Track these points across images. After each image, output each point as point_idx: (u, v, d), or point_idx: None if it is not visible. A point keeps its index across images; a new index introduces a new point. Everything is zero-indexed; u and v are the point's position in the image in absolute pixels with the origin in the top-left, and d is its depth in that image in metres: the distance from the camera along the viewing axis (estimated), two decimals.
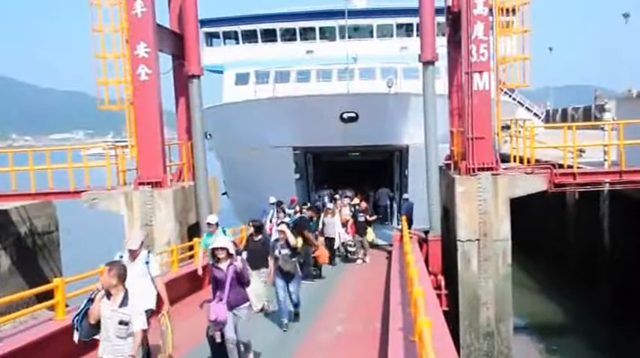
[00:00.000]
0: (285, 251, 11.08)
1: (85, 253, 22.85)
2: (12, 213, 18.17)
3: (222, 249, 8.33)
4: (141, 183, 15.63)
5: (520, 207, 15.58)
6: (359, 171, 27.28)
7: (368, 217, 19.10)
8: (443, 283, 15.50)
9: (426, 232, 16.95)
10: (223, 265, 8.27)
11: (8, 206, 17.95)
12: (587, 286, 19.31)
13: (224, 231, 12.36)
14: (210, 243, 11.00)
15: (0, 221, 17.65)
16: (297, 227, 14.71)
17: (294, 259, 11.18)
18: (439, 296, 14.40)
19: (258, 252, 11.54)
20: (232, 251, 8.36)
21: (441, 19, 18.36)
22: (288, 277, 11.12)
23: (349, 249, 18.59)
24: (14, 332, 8.95)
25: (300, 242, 12.56)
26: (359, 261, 18.40)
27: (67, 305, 9.90)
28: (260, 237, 12.02)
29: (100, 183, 17.03)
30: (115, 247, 16.28)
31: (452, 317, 13.59)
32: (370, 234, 19.02)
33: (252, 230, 12.24)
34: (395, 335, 8.28)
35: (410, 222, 18.65)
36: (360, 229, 18.70)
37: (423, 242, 16.89)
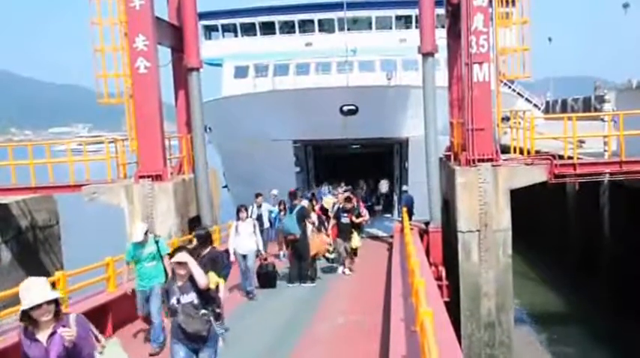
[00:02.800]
0: (190, 298, 6.34)
1: (86, 247, 22.89)
2: (12, 206, 18.17)
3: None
4: (141, 177, 15.62)
5: (520, 198, 15.61)
6: (359, 164, 27.31)
7: (354, 218, 15.69)
8: (444, 274, 15.53)
9: (427, 223, 16.98)
10: (43, 333, 4.89)
11: (8, 200, 17.96)
12: (588, 276, 19.36)
13: (156, 242, 9.59)
14: (138, 255, 9.41)
15: (0, 215, 17.67)
16: (300, 217, 14.60)
17: (204, 311, 6.36)
18: (440, 287, 14.42)
19: None
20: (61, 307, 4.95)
21: (441, 10, 18.32)
22: (194, 344, 6.48)
23: (327, 255, 15.90)
24: (16, 325, 8.96)
25: (214, 280, 7.65)
26: (340, 271, 15.73)
27: (69, 298, 9.94)
28: (207, 250, 8.97)
29: (99, 177, 17.04)
30: (115, 240, 16.39)
31: (453, 308, 13.63)
32: (355, 240, 15.65)
33: (194, 243, 9.35)
34: (396, 326, 8.32)
35: (410, 214, 18.67)
36: (342, 233, 15.67)
37: (423, 233, 16.93)
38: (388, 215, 26.21)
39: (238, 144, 25.44)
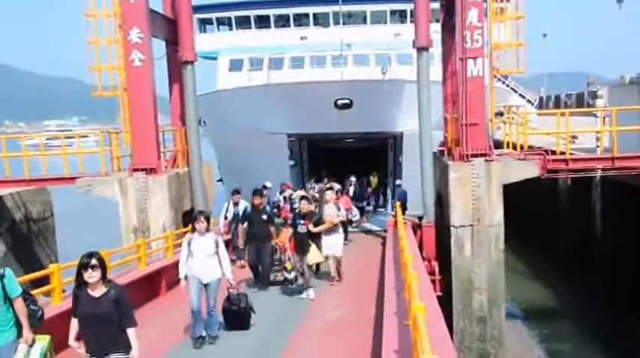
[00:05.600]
0: None
1: (80, 239, 22.85)
2: (6, 199, 18.15)
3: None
4: (135, 170, 15.63)
5: (513, 193, 15.68)
6: (354, 158, 27.32)
7: (311, 227, 12.46)
8: (437, 268, 15.61)
9: (420, 218, 17.03)
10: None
11: (2, 192, 17.93)
12: (580, 272, 19.48)
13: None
14: None
15: None
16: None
17: None
18: (433, 281, 14.49)
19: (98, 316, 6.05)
20: None
21: (435, 5, 18.33)
22: None
23: (285, 275, 12.66)
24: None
25: None
26: (304, 295, 12.30)
27: (63, 291, 9.95)
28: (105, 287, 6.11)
29: (92, 169, 17.03)
30: (109, 233, 16.38)
31: (445, 302, 13.72)
32: (314, 254, 12.38)
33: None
34: (389, 320, 8.37)
35: (404, 208, 18.71)
36: (298, 245, 12.38)
37: (417, 228, 16.98)
38: (382, 209, 26.27)
39: (233, 137, 25.41)
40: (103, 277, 6.05)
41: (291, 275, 12.46)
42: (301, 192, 17.69)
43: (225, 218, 15.49)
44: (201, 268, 9.26)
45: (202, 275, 9.30)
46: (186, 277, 9.33)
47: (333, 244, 13.38)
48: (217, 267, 9.36)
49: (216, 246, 9.32)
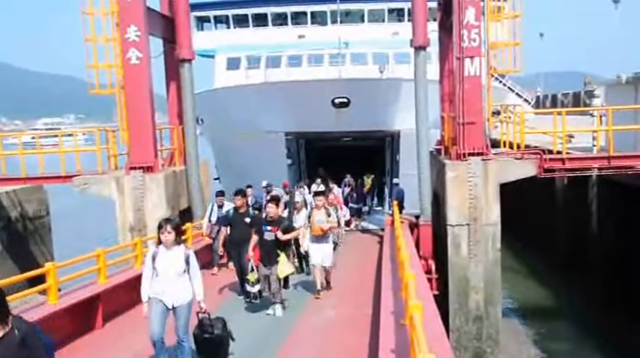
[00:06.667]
0: None
1: (76, 237, 22.86)
2: (2, 197, 18.10)
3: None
4: (132, 168, 15.60)
5: (510, 192, 15.70)
6: (351, 157, 27.32)
7: (280, 235, 10.98)
8: (433, 267, 15.64)
9: (417, 217, 17.04)
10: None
11: None
12: (576, 271, 19.51)
13: None
14: None
15: None
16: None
17: None
18: (430, 280, 14.53)
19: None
20: None
21: (433, 4, 18.35)
22: None
23: (248, 288, 10.84)
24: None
25: None
26: (270, 311, 11.01)
27: (59, 290, 9.94)
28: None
29: (89, 168, 17.01)
30: (105, 232, 16.32)
31: (442, 301, 13.73)
32: (284, 265, 10.96)
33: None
34: (386, 319, 8.38)
35: (401, 207, 18.73)
36: (264, 254, 10.92)
37: (414, 226, 17.00)
38: (379, 208, 26.30)
39: (230, 136, 25.41)
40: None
41: (255, 289, 10.75)
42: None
43: (210, 220, 14.61)
44: (168, 289, 7.59)
45: (169, 298, 7.60)
46: (148, 300, 7.69)
47: (321, 253, 12.27)
48: (188, 288, 7.70)
49: (187, 262, 7.65)
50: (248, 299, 10.97)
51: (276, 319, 10.83)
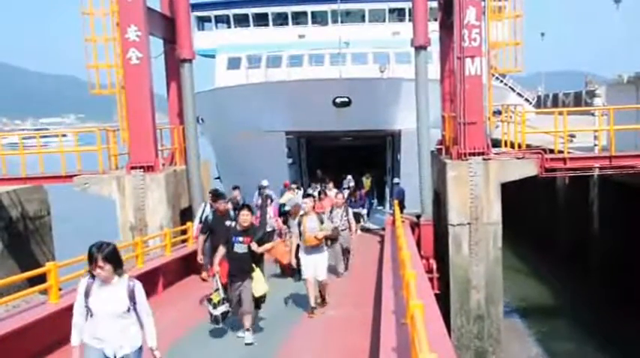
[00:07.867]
0: None
1: (77, 237, 22.83)
2: (3, 197, 18.10)
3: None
4: (133, 167, 15.59)
5: (511, 192, 15.69)
6: (352, 156, 27.32)
7: (255, 246, 9.29)
8: (434, 267, 15.62)
9: (418, 216, 17.03)
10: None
11: None
12: (577, 270, 19.50)
13: None
14: None
15: None
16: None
17: None
18: (431, 279, 14.52)
19: None
20: None
21: (433, 3, 18.33)
22: None
23: (211, 310, 9.40)
24: (7, 315, 8.97)
25: None
26: (240, 333, 9.56)
27: (60, 289, 9.93)
28: None
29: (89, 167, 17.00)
30: (106, 231, 16.33)
31: (443, 300, 13.73)
32: (259, 284, 9.32)
33: None
34: (387, 318, 8.36)
35: (402, 207, 18.71)
36: (236, 270, 9.32)
37: (415, 226, 16.98)
38: (380, 207, 26.29)
39: (231, 135, 25.39)
40: None
41: (217, 312, 9.24)
42: (289, 194, 16.76)
43: (200, 221, 13.28)
44: (107, 335, 5.58)
45: (109, 347, 5.61)
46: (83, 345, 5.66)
47: (314, 265, 10.88)
48: (135, 332, 5.74)
49: (131, 298, 5.67)
50: (211, 323, 9.48)
51: (253, 349, 9.17)
